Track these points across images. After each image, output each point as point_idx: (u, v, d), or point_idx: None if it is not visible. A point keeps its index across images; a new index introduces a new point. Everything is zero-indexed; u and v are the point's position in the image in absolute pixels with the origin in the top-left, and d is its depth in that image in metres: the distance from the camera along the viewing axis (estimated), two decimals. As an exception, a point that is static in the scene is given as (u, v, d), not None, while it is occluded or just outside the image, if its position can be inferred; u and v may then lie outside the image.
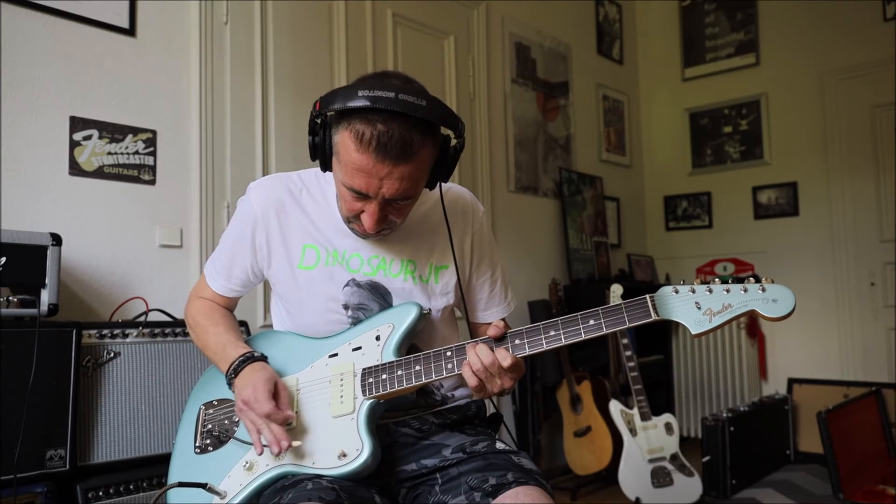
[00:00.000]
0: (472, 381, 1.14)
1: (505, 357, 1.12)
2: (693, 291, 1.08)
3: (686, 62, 4.90)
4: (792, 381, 3.87)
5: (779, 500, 3.00)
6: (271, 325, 1.48)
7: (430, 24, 3.41)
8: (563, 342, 1.12)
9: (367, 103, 1.07)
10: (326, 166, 1.21)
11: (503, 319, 1.24)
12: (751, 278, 1.07)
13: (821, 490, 3.06)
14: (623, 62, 4.92)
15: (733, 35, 4.69)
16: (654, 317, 1.08)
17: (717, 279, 1.08)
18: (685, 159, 4.89)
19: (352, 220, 1.23)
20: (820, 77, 4.34)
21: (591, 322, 1.11)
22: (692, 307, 1.07)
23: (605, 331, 1.10)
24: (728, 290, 1.06)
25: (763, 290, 1.05)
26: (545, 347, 1.13)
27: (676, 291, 1.08)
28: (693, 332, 1.07)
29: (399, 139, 1.09)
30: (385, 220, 1.20)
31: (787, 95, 4.47)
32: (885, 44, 4.07)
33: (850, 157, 4.24)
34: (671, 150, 4.97)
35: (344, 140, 1.13)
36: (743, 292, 1.05)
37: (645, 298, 1.09)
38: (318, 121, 1.16)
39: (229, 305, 1.46)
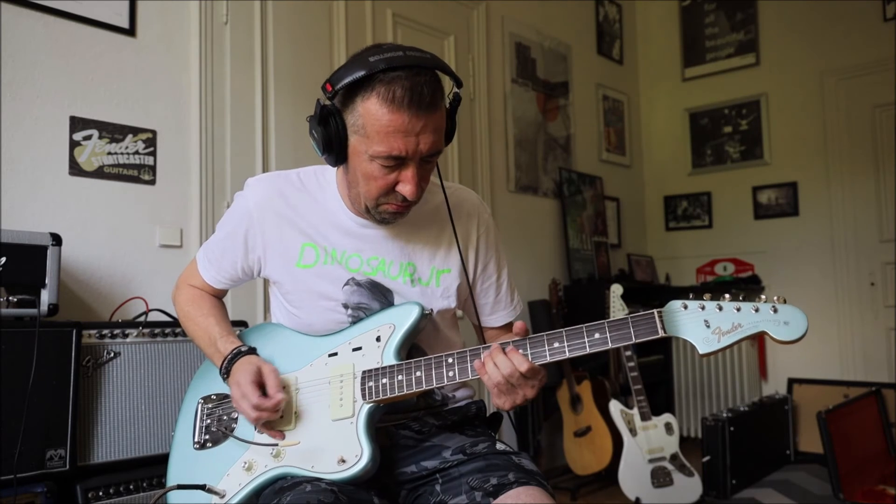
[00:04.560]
0: (490, 386, 1.12)
1: (521, 362, 1.10)
2: (703, 308, 1.04)
3: (686, 62, 4.90)
4: (792, 381, 3.87)
5: (779, 500, 3.00)
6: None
7: (430, 24, 3.40)
8: (567, 355, 1.09)
9: (385, 65, 1.08)
10: (342, 157, 1.18)
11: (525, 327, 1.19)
12: (762, 296, 1.03)
13: (821, 490, 3.06)
14: (623, 62, 4.92)
15: (733, 35, 4.69)
16: (661, 333, 1.05)
17: (726, 295, 1.05)
18: (685, 159, 4.89)
19: (381, 201, 1.19)
20: (820, 77, 4.34)
21: (597, 336, 1.08)
22: (701, 325, 1.04)
23: (610, 345, 1.07)
24: (739, 309, 1.02)
25: (775, 310, 1.01)
26: (548, 360, 1.10)
27: (685, 307, 1.05)
28: (701, 352, 1.04)
29: (428, 88, 1.10)
30: (421, 184, 1.18)
31: (787, 95, 4.47)
32: (885, 44, 4.07)
33: (850, 157, 4.24)
34: (671, 150, 4.97)
35: (369, 109, 1.11)
36: (754, 312, 1.02)
37: (653, 314, 1.06)
38: (329, 106, 1.14)
39: (218, 295, 1.45)
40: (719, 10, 4.75)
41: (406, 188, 1.16)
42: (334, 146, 1.17)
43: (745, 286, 4.40)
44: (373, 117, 1.11)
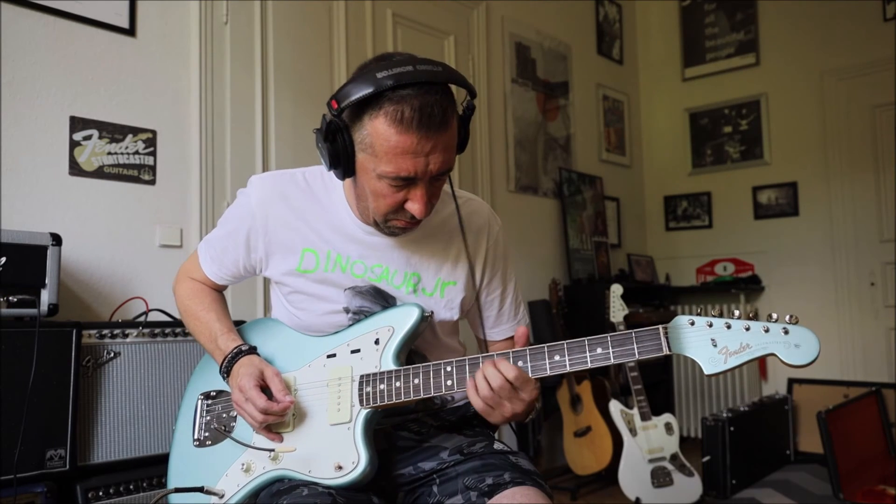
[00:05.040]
0: (478, 405, 1.10)
1: (508, 369, 1.07)
2: (710, 325, 1.00)
3: (686, 62, 4.89)
4: (792, 381, 3.87)
5: (779, 500, 3.00)
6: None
7: (430, 24, 3.41)
8: (568, 369, 1.07)
9: (394, 82, 1.04)
10: (349, 172, 1.16)
11: (526, 332, 1.17)
12: (772, 314, 0.99)
13: (821, 490, 3.06)
14: (623, 62, 4.92)
15: (733, 35, 4.69)
16: (665, 351, 1.02)
17: (736, 311, 1.01)
18: (685, 159, 4.89)
19: (390, 217, 1.17)
20: (820, 77, 4.34)
21: (599, 350, 1.05)
22: (707, 344, 1.00)
23: (612, 362, 1.05)
24: (748, 328, 0.99)
25: (786, 331, 0.97)
26: (549, 373, 1.08)
27: (692, 323, 1.01)
28: (707, 373, 1.00)
29: (439, 108, 1.06)
30: (431, 202, 1.16)
31: (787, 95, 4.47)
32: (885, 44, 4.07)
33: (850, 157, 4.24)
34: (671, 150, 4.97)
35: (377, 129, 1.07)
36: (764, 332, 0.98)
37: (658, 330, 1.03)
38: (336, 121, 1.10)
39: (219, 289, 1.44)
40: (719, 10, 4.75)
41: (415, 207, 1.13)
42: (341, 162, 1.13)
43: (745, 286, 4.40)
44: (381, 137, 1.07)
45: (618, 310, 3.22)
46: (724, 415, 3.18)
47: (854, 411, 3.18)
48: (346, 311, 1.29)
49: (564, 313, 3.70)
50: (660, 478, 2.98)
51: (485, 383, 1.08)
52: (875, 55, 4.11)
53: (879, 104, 4.13)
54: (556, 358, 1.07)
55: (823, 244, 4.30)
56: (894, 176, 4.06)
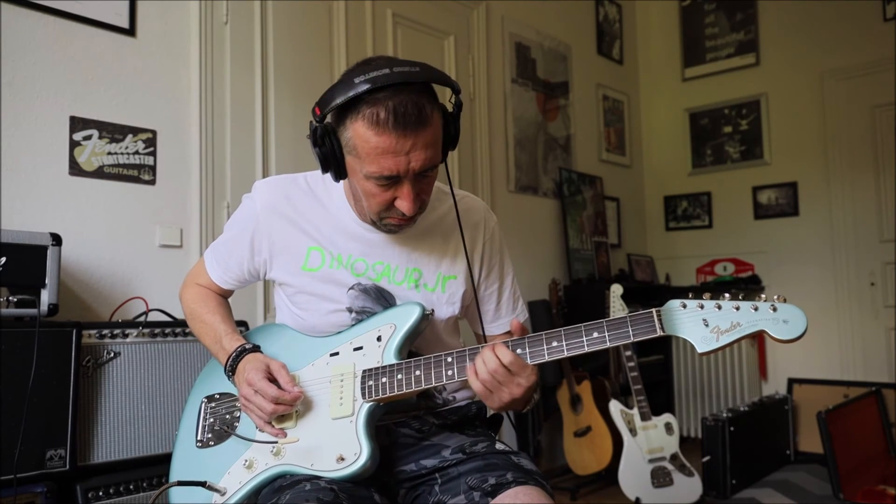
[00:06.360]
0: (477, 387, 1.13)
1: (505, 354, 1.10)
2: (701, 307, 1.04)
3: (686, 62, 4.90)
4: (792, 381, 3.87)
5: (779, 500, 3.00)
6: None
7: (430, 24, 3.41)
8: (566, 354, 1.10)
9: (369, 86, 1.07)
10: (341, 173, 1.19)
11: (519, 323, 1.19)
12: (762, 295, 1.03)
13: (821, 490, 3.07)
14: (623, 62, 4.92)
15: (733, 35, 4.69)
16: (659, 332, 1.05)
17: (726, 294, 1.05)
18: (685, 159, 4.89)
19: (383, 215, 1.21)
20: (820, 77, 4.34)
21: (595, 335, 1.08)
22: (699, 324, 1.04)
23: (608, 344, 1.07)
24: (738, 308, 1.02)
25: (774, 309, 1.01)
26: (547, 359, 1.11)
27: (684, 306, 1.05)
28: (699, 351, 1.04)
29: (413, 106, 1.09)
30: (419, 199, 1.19)
31: (787, 95, 4.47)
32: (885, 44, 4.07)
33: (850, 157, 4.24)
34: (671, 150, 4.97)
35: (357, 132, 1.11)
36: (753, 311, 1.02)
37: (651, 313, 1.06)
38: (323, 126, 1.14)
39: (225, 295, 1.46)
40: (719, 10, 4.75)
41: (404, 205, 1.16)
42: (331, 165, 1.18)
43: (745, 286, 4.40)
44: (361, 139, 1.11)
45: (618, 310, 3.22)
46: (724, 415, 3.18)
47: (854, 411, 3.18)
48: (350, 310, 1.31)
49: (564, 313, 3.70)
50: (660, 478, 2.98)
51: (483, 366, 1.11)
52: (875, 55, 4.11)
53: (879, 104, 4.13)
54: (554, 344, 1.10)
55: (823, 244, 4.30)
56: (894, 176, 4.06)
